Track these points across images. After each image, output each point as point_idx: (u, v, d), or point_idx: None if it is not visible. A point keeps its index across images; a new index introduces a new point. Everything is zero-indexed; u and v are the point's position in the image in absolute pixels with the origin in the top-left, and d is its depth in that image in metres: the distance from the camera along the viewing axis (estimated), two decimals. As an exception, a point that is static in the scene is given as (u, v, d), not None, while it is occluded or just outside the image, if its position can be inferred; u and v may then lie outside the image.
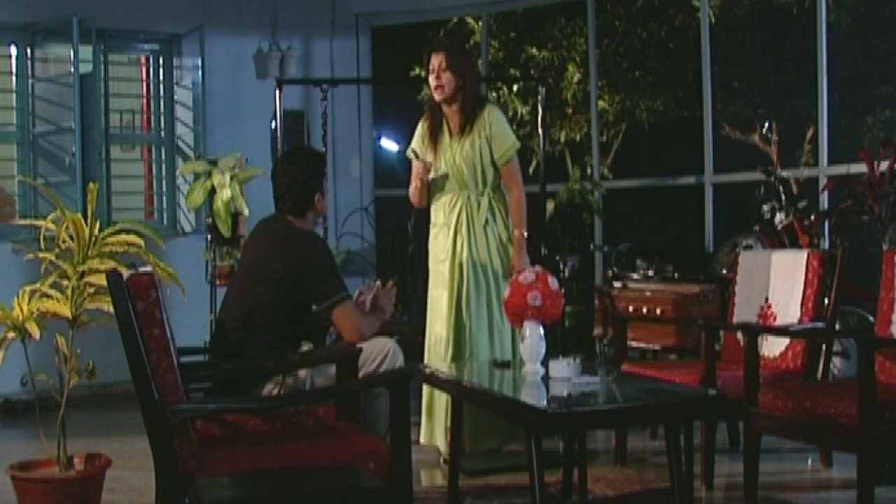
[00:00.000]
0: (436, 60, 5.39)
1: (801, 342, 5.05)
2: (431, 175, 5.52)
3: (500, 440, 5.48)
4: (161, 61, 8.73)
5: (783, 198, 6.81)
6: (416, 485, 4.64)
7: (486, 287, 5.43)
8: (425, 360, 5.48)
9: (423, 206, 5.62)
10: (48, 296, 4.55)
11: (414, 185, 5.54)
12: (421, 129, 5.61)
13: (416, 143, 5.60)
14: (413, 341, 6.08)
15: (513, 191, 5.47)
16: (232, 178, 7.28)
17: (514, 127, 7.52)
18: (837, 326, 5.50)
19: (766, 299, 5.29)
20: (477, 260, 5.43)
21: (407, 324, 6.86)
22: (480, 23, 9.88)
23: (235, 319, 4.47)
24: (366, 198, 9.50)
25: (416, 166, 5.51)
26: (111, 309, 3.31)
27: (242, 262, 4.76)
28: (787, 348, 5.11)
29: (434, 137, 5.52)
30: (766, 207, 6.90)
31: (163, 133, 8.75)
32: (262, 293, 4.44)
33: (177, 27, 8.58)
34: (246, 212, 7.38)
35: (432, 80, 5.41)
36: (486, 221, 5.45)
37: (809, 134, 8.09)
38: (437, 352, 5.46)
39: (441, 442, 5.42)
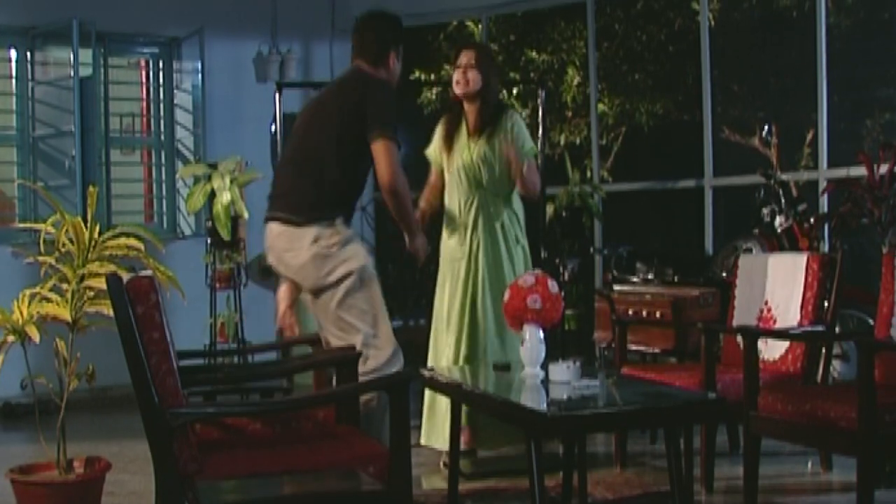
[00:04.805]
0: (465, 57, 5.47)
1: (801, 345, 5.04)
2: (447, 175, 5.59)
3: (511, 444, 5.45)
4: (161, 64, 8.73)
5: (783, 201, 6.81)
6: (415, 488, 4.64)
7: (499, 287, 5.44)
8: (430, 363, 5.50)
9: (432, 208, 5.67)
10: (48, 299, 4.55)
11: (427, 191, 5.67)
12: (440, 129, 5.67)
13: (433, 144, 5.68)
14: (416, 344, 6.08)
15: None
16: (232, 182, 7.29)
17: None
18: (837, 329, 5.49)
19: (766, 302, 5.29)
20: (492, 260, 5.45)
21: (402, 330, 6.85)
22: (480, 26, 9.90)
23: (298, 164, 4.64)
24: (365, 199, 9.49)
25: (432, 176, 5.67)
26: (111, 312, 3.31)
27: (305, 114, 4.85)
28: (786, 351, 5.11)
29: (451, 138, 5.57)
30: (765, 210, 6.90)
31: (163, 136, 8.75)
32: (328, 130, 4.59)
33: (177, 30, 8.58)
34: (246, 215, 7.39)
35: (457, 75, 5.47)
36: (503, 223, 5.48)
37: (809, 137, 8.09)
38: (446, 355, 5.45)
39: (442, 444, 5.42)
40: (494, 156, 5.44)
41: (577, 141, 10.70)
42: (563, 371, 4.19)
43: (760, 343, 4.97)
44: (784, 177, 7.00)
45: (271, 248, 4.68)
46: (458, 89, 5.48)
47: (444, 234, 5.62)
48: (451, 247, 5.56)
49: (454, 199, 5.56)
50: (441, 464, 5.44)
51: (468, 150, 5.49)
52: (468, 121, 5.54)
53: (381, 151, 4.49)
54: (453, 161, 5.54)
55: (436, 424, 5.44)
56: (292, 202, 4.59)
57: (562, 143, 10.74)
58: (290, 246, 4.56)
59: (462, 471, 4.96)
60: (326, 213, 4.54)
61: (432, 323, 5.62)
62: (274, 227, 4.63)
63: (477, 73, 5.43)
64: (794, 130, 8.35)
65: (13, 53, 8.03)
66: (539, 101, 7.28)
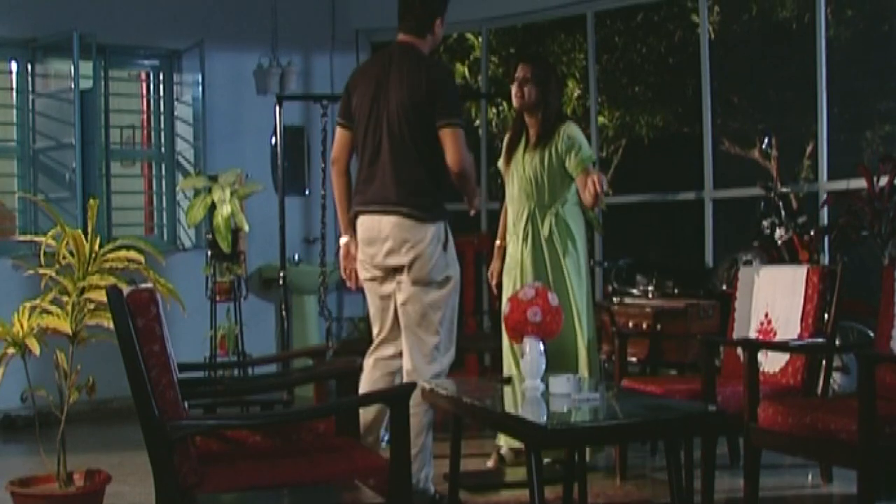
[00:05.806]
0: (521, 71, 5.57)
1: (802, 357, 5.04)
2: (507, 187, 5.71)
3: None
4: (161, 77, 8.74)
5: (783, 213, 6.81)
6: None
7: None
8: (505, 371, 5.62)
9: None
10: (48, 312, 4.56)
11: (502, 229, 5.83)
12: (505, 142, 5.79)
13: (502, 157, 5.78)
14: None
15: None
16: (232, 194, 7.30)
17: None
18: (837, 342, 5.49)
19: (766, 315, 5.29)
20: (534, 272, 5.48)
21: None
22: (480, 38, 9.90)
23: (400, 160, 4.72)
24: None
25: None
26: (111, 325, 3.32)
27: (371, 101, 4.81)
28: (787, 364, 5.11)
29: (511, 150, 5.68)
30: (765, 223, 6.90)
31: (163, 149, 8.76)
32: (414, 125, 4.70)
33: (177, 43, 8.59)
34: (246, 227, 7.40)
35: (514, 89, 5.57)
36: (551, 234, 5.51)
37: (809, 149, 8.10)
38: (507, 363, 5.60)
39: (502, 439, 5.66)
40: (544, 169, 5.50)
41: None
42: (563, 384, 4.19)
43: (761, 355, 4.97)
44: (784, 189, 7.00)
45: (387, 238, 4.76)
46: (515, 103, 5.61)
47: (507, 244, 5.73)
48: (508, 257, 5.68)
49: (512, 209, 5.67)
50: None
51: (522, 161, 5.58)
52: (528, 133, 5.63)
53: (449, 139, 4.65)
54: (510, 173, 5.64)
55: None
56: (414, 197, 4.72)
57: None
58: (409, 237, 4.70)
59: (462, 483, 4.95)
60: (444, 212, 4.78)
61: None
62: (391, 219, 4.73)
63: (533, 87, 5.52)
64: (794, 142, 8.36)
65: (14, 66, 8.04)
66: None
